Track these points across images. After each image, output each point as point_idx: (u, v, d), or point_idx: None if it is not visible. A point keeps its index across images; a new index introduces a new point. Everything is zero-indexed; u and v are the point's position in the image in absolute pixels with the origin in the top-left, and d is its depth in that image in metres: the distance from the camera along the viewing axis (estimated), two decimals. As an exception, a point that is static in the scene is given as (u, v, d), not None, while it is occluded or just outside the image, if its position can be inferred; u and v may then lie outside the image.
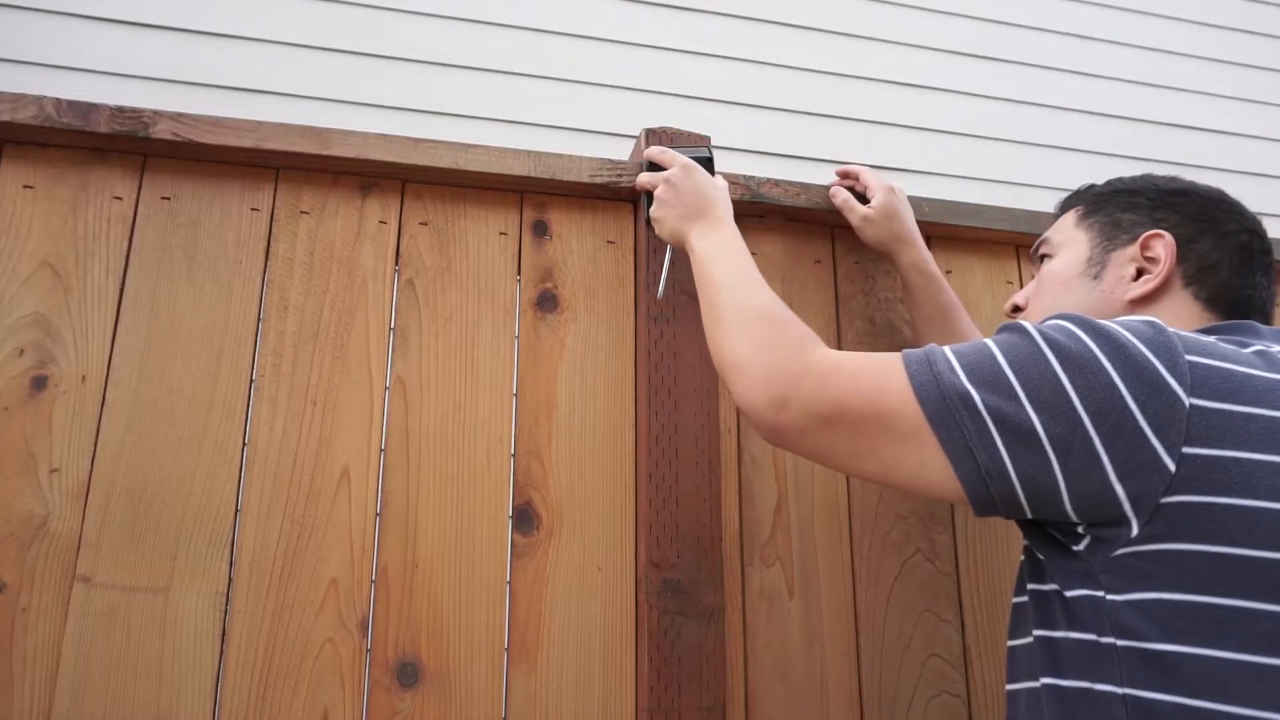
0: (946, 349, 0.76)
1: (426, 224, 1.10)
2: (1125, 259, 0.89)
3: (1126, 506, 0.67)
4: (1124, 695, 0.67)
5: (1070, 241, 0.95)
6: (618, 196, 1.16)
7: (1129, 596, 0.68)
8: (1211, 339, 0.74)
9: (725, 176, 1.16)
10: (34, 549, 0.91)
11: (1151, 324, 0.71)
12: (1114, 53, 3.07)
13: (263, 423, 0.99)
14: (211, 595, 0.94)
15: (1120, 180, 0.95)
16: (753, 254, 1.19)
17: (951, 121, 2.76)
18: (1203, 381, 0.67)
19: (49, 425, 0.94)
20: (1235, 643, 0.64)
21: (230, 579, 0.95)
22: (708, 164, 1.09)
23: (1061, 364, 0.69)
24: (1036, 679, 0.75)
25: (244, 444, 0.98)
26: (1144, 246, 0.87)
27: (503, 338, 1.09)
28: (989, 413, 0.70)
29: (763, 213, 1.20)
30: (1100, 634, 0.69)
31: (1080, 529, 0.71)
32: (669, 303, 1.10)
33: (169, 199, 1.03)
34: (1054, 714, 0.72)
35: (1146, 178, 0.93)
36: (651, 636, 0.99)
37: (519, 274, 1.11)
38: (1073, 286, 0.92)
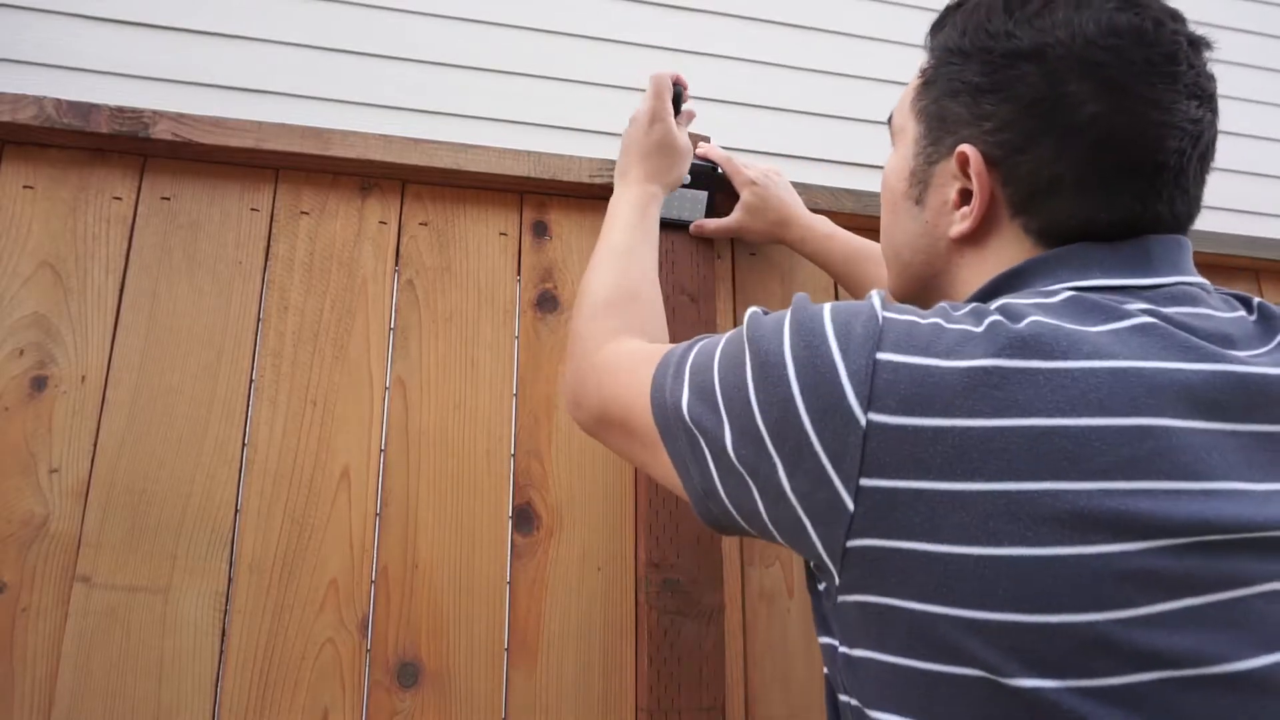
0: (696, 347, 0.64)
1: (426, 224, 1.10)
2: (947, 176, 0.64)
3: (820, 549, 0.53)
4: None
5: (902, 132, 0.69)
6: (617, 197, 1.16)
7: (852, 651, 0.54)
8: (966, 308, 0.55)
9: (725, 177, 1.15)
10: (34, 549, 0.91)
11: (867, 305, 0.55)
12: (1114, 53, 3.07)
13: (263, 423, 0.99)
14: (211, 595, 0.94)
15: (964, 18, 0.64)
16: (751, 254, 1.19)
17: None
18: (888, 388, 0.50)
19: (49, 425, 0.94)
20: (944, 714, 0.49)
21: (230, 579, 0.94)
22: (710, 175, 1.10)
23: (753, 369, 0.56)
24: None
25: (244, 444, 0.98)
26: (959, 163, 0.62)
27: (503, 338, 1.08)
28: (695, 426, 0.60)
29: (762, 213, 1.20)
30: (838, 688, 0.58)
31: (814, 566, 0.57)
32: (669, 302, 1.09)
33: (169, 199, 1.03)
34: None
35: (990, 14, 0.62)
36: (651, 636, 0.99)
37: (519, 274, 1.11)
38: (899, 210, 0.69)
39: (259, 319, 1.02)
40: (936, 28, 0.68)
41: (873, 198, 1.23)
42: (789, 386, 0.53)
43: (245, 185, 1.06)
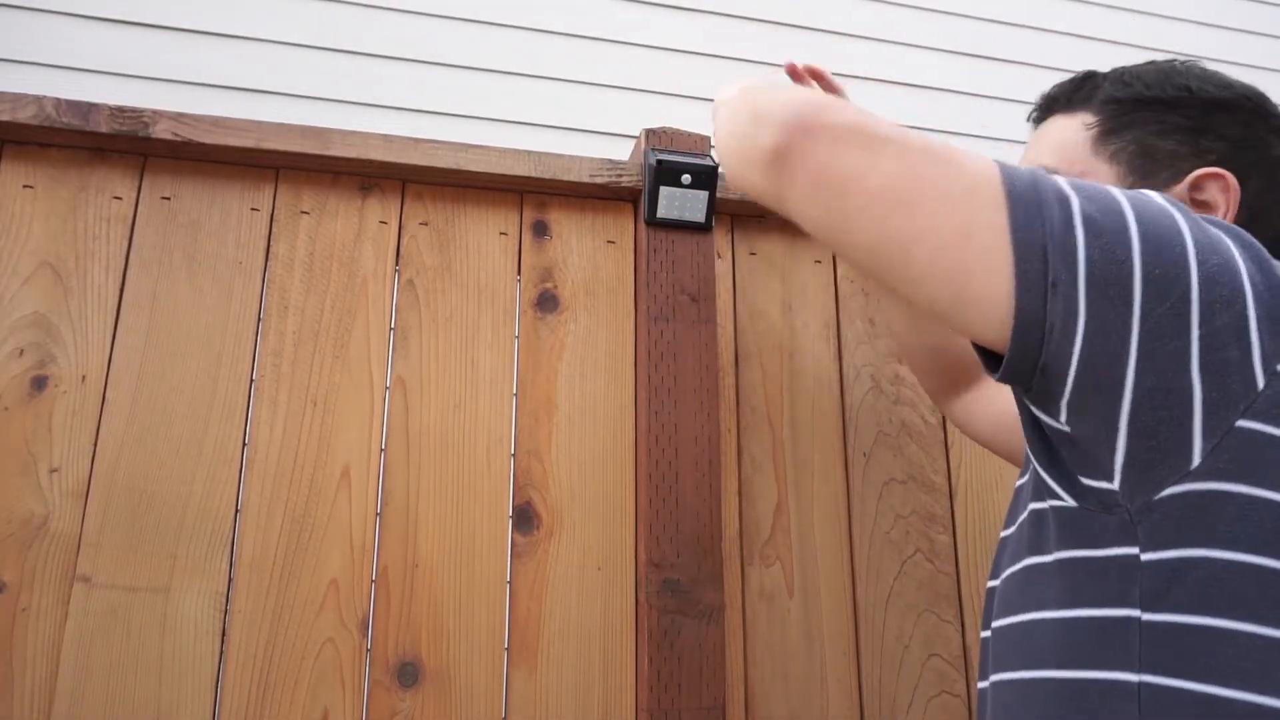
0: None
1: (427, 224, 1.10)
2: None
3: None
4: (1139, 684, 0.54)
5: (1091, 174, 0.72)
6: (618, 196, 1.16)
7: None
8: None
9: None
10: (34, 549, 0.91)
11: None
12: (1113, 53, 3.07)
13: (263, 423, 0.99)
14: (211, 595, 0.94)
15: (1136, 78, 0.73)
16: (751, 254, 1.19)
17: (951, 121, 2.76)
18: None
19: (49, 425, 0.94)
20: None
21: (230, 579, 0.94)
22: (712, 175, 1.09)
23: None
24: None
25: (244, 444, 0.98)
26: (1194, 188, 0.67)
27: (503, 338, 1.09)
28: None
29: (763, 213, 1.20)
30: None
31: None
32: (669, 302, 1.10)
33: (169, 199, 1.03)
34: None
35: (1168, 74, 0.72)
36: (651, 636, 0.99)
37: (519, 274, 1.11)
38: None
39: (259, 319, 1.02)
40: (1085, 93, 0.75)
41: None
42: None
43: (245, 185, 1.06)
